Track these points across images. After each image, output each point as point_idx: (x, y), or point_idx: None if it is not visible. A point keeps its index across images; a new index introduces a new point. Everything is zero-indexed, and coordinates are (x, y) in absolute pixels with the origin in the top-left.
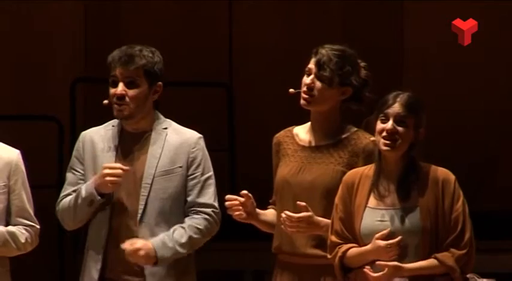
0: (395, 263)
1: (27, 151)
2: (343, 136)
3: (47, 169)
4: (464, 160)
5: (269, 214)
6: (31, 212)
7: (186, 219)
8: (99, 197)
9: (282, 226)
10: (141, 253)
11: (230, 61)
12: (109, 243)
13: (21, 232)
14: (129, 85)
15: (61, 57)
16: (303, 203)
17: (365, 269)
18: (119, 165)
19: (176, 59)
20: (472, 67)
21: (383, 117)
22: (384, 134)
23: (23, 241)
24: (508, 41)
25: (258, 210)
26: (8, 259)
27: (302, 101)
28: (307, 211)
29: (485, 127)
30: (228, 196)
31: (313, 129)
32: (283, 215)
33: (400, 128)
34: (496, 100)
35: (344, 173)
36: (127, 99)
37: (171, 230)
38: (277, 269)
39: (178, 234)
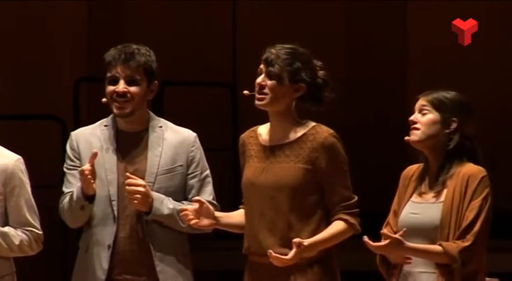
0: (399, 237)
1: (30, 150)
2: (302, 133)
3: (50, 169)
4: None
5: (235, 215)
6: (30, 219)
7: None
8: (87, 202)
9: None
10: (142, 190)
11: (234, 61)
12: (115, 242)
13: (16, 234)
14: (129, 83)
15: (64, 57)
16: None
17: (364, 238)
18: (82, 168)
19: (180, 59)
20: (475, 67)
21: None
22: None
23: (16, 242)
24: (511, 41)
25: (219, 213)
26: (10, 263)
27: (256, 102)
28: (298, 246)
29: (486, 127)
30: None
31: (273, 129)
32: (272, 253)
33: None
34: (497, 101)
35: (306, 169)
36: (129, 95)
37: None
38: (248, 270)
39: (178, 203)
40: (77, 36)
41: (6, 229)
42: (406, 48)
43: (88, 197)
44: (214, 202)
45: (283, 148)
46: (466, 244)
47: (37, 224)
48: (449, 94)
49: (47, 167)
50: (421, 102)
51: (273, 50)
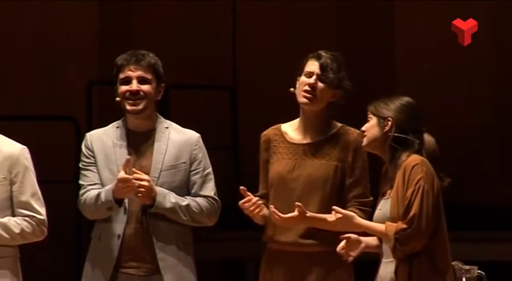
0: (350, 213)
1: (47, 148)
2: (332, 132)
3: (65, 166)
4: (451, 158)
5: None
6: (34, 203)
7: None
8: (117, 205)
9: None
10: (146, 184)
11: (234, 66)
12: (124, 232)
13: (16, 223)
14: (141, 82)
15: (78, 62)
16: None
17: (326, 216)
18: (127, 176)
19: (184, 63)
20: (464, 68)
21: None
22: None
23: (17, 231)
24: (498, 42)
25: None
26: (14, 247)
27: (304, 99)
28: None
29: (471, 127)
30: (241, 203)
31: (305, 127)
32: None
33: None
34: (483, 100)
35: (337, 166)
36: (142, 93)
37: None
38: (267, 258)
39: (180, 198)
40: (89, 42)
41: (6, 219)
42: (394, 49)
43: (118, 200)
44: (216, 197)
45: (316, 145)
46: (403, 226)
47: (41, 209)
48: (390, 98)
49: (62, 164)
50: (368, 111)
51: (326, 55)
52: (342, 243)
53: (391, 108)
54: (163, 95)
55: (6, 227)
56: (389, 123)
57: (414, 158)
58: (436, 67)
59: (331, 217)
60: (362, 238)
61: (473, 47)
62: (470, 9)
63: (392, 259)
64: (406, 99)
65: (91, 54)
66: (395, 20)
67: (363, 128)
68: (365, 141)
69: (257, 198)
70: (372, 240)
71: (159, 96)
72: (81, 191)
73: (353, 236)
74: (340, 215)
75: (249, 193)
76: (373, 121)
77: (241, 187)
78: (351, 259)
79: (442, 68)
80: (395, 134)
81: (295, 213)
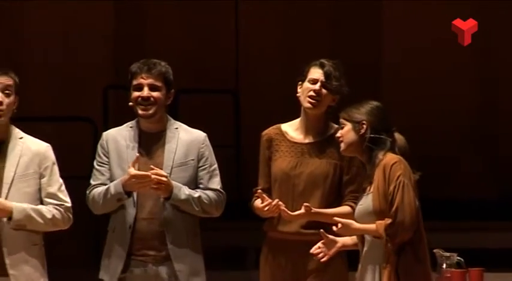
0: (349, 221)
1: (66, 147)
2: (330, 133)
3: (82, 163)
4: (432, 156)
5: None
6: (59, 194)
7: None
8: (126, 196)
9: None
10: (165, 179)
11: (236, 71)
12: (135, 223)
13: (48, 210)
14: (152, 89)
15: (94, 65)
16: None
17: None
18: (142, 173)
19: (190, 69)
20: (455, 67)
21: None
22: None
23: (49, 216)
24: (487, 42)
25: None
26: (40, 235)
27: (309, 105)
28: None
29: (454, 127)
30: (261, 205)
31: (306, 128)
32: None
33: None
34: (478, 100)
35: (336, 164)
36: (152, 99)
37: (187, 188)
38: (268, 246)
39: (193, 191)
40: (104, 50)
41: (39, 206)
42: (382, 51)
43: (127, 192)
44: (222, 190)
45: (317, 145)
46: (388, 221)
47: (66, 198)
48: (360, 104)
49: (80, 161)
50: (340, 119)
51: (329, 63)
52: (318, 244)
53: (362, 112)
54: (173, 98)
55: (39, 213)
56: (365, 126)
57: (392, 157)
58: (427, 67)
59: (335, 227)
60: (338, 238)
61: (464, 47)
62: (460, 11)
63: (370, 247)
64: (374, 103)
65: (106, 57)
66: (384, 22)
67: (338, 134)
68: (343, 146)
69: (277, 200)
70: (348, 240)
71: (168, 101)
72: (88, 190)
73: (329, 236)
74: (340, 225)
75: (264, 196)
76: (347, 127)
77: (258, 191)
78: (325, 258)
79: (433, 68)
80: (371, 135)
81: (302, 211)
